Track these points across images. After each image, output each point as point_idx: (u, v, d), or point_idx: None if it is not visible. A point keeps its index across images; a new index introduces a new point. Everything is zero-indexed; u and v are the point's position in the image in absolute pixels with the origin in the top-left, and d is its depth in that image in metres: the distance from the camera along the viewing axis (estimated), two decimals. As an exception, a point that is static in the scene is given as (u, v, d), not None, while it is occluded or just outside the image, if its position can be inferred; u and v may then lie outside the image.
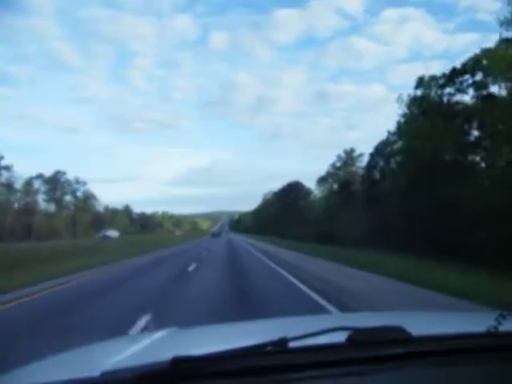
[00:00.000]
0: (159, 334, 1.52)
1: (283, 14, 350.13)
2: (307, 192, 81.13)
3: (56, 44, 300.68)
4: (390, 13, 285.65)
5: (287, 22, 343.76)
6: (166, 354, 0.92)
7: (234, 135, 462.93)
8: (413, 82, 30.90)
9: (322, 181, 67.90)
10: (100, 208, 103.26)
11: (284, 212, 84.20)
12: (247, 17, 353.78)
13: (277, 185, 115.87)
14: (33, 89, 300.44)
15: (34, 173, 78.08)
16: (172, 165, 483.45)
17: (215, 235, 79.01)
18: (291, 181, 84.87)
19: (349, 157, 56.54)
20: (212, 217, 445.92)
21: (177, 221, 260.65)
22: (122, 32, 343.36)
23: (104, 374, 0.93)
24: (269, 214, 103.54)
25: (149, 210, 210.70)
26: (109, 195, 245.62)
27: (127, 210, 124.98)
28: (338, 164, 57.57)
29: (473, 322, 1.57)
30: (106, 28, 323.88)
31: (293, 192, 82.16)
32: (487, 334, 1.08)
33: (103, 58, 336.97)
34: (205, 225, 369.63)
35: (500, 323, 1.10)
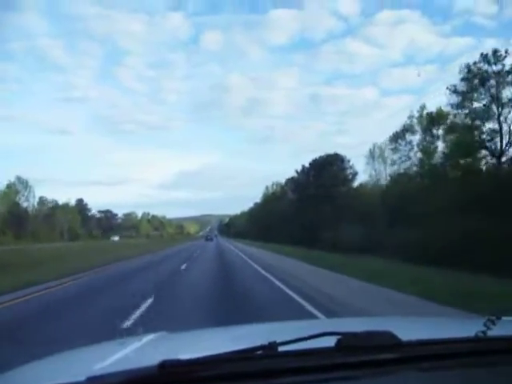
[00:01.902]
0: (147, 339, 1.48)
1: (278, 15, 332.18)
2: (351, 172, 49.88)
3: (44, 41, 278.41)
4: (386, 15, 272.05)
5: (281, 23, 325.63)
6: (154, 359, 0.89)
7: (224, 138, 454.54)
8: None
9: (396, 139, 36.65)
10: (35, 202, 70.81)
11: (307, 207, 52.82)
12: (241, 16, 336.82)
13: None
14: (18, 88, 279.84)
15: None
16: (161, 168, 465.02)
17: (208, 239, 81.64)
18: (321, 155, 53.12)
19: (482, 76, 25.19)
20: (201, 220, 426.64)
21: (159, 223, 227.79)
22: (112, 30, 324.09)
23: (89, 379, 0.90)
24: (277, 212, 72.16)
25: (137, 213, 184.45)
26: (96, 198, 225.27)
27: (80, 207, 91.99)
28: (463, 88, 25.86)
29: (462, 326, 1.59)
30: (95, 25, 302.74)
31: (325, 173, 50.74)
32: (476, 339, 1.08)
33: (92, 57, 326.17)
34: (192, 228, 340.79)
35: (488, 328, 1.10)
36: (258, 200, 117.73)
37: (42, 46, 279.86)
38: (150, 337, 1.52)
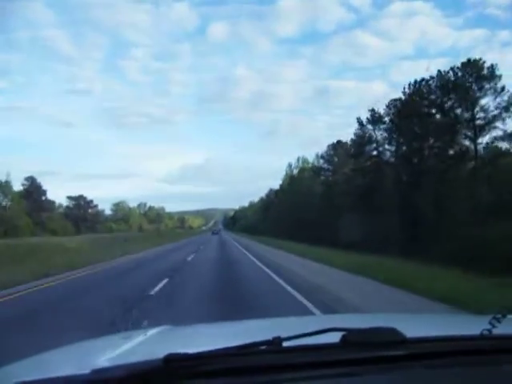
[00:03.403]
0: (152, 332, 1.49)
1: (286, 5, 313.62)
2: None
3: (49, 32, 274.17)
4: (398, 6, 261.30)
5: (290, 14, 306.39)
6: (159, 353, 0.89)
7: (230, 131, 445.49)
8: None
9: None
10: None
11: (380, 186, 27.63)
12: (248, 7, 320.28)
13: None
14: (20, 79, 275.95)
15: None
16: (166, 161, 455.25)
17: (215, 233, 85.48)
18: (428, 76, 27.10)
19: None
20: (205, 214, 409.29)
21: (157, 215, 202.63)
22: (117, 21, 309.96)
23: (94, 372, 0.90)
24: (317, 197, 47.17)
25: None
26: (97, 192, 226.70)
27: (32, 190, 66.07)
28: None
29: (467, 324, 1.58)
30: (100, 16, 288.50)
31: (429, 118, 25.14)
32: (481, 337, 1.08)
33: (97, 48, 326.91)
34: (195, 222, 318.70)
35: (494, 326, 1.10)
36: (262, 196, 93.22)
37: (47, 37, 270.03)
38: (155, 330, 1.51)
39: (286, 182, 66.07)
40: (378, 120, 32.56)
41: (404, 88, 29.41)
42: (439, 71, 26.26)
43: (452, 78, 25.26)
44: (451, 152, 25.65)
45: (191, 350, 0.92)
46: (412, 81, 28.69)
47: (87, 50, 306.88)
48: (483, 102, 24.70)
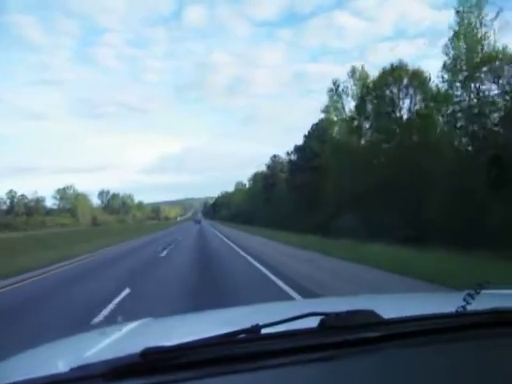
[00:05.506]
0: (131, 326, 1.49)
1: None
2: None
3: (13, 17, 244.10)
4: None
5: None
6: (138, 347, 0.89)
7: (208, 119, 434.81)
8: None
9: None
10: None
11: None
12: None
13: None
14: None
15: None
16: (144, 151, 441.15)
17: (197, 222, 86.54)
18: None
19: None
20: (183, 203, 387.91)
21: (122, 205, 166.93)
22: (89, 5, 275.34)
23: (73, 370, 0.90)
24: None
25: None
26: (76, 185, 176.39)
27: None
28: None
29: (442, 302, 1.62)
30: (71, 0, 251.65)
31: None
32: (456, 314, 1.11)
33: (68, 35, 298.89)
34: (172, 212, 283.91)
35: (468, 303, 1.13)
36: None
37: (14, 23, 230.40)
38: (134, 324, 1.51)
39: (331, 129, 32.42)
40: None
41: None
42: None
43: None
44: None
45: (170, 343, 0.92)
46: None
47: (58, 36, 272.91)
48: None
